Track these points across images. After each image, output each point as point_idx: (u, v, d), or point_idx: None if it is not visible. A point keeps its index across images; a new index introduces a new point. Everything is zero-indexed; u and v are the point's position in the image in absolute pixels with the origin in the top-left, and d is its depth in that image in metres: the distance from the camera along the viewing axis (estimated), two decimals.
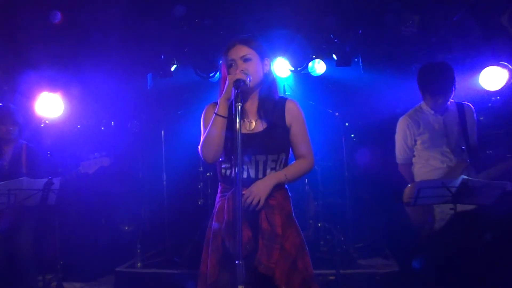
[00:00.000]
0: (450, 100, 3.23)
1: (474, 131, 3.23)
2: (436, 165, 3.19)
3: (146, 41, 4.80)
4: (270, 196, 2.14)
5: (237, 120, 1.91)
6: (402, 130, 3.33)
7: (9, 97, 4.77)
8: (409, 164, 3.37)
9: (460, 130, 3.18)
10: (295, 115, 2.23)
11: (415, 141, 3.27)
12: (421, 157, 3.28)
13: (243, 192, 2.04)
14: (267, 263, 2.05)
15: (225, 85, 2.08)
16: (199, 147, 2.17)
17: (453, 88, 3.17)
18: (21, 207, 3.44)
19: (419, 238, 3.28)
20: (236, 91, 1.98)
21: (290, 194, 2.28)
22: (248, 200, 2.06)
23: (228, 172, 2.21)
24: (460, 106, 3.24)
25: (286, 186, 2.27)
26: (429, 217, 3.12)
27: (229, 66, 2.16)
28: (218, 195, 2.27)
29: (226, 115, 2.09)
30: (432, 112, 3.24)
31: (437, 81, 3.15)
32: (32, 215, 3.67)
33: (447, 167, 3.12)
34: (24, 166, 3.69)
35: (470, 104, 3.27)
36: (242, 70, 2.08)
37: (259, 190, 2.08)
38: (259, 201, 2.07)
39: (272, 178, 2.13)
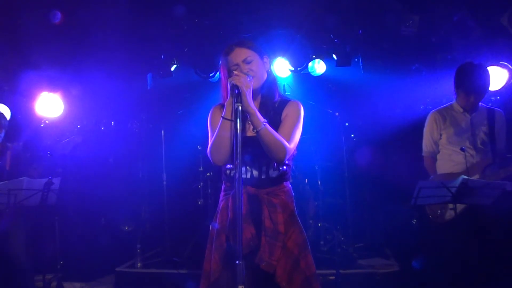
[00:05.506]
0: (482, 104, 3.34)
1: (503, 135, 3.32)
2: (458, 160, 3.27)
3: (146, 41, 4.79)
4: (273, 194, 2.16)
5: (237, 121, 1.90)
6: (429, 123, 3.45)
7: (9, 97, 4.77)
8: (433, 158, 3.46)
9: (487, 132, 3.27)
10: (290, 111, 2.21)
11: (440, 135, 3.39)
12: (445, 152, 3.38)
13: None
14: (268, 260, 2.06)
15: (226, 88, 2.08)
16: (208, 150, 2.16)
17: (486, 91, 3.28)
18: (18, 207, 3.44)
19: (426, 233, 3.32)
20: (236, 91, 1.97)
21: (293, 193, 2.27)
22: (234, 75, 2.02)
23: (233, 173, 2.21)
24: (491, 111, 3.34)
25: (290, 185, 2.27)
26: (442, 208, 3.19)
27: (233, 71, 2.13)
28: (222, 193, 2.28)
29: (233, 118, 2.07)
30: (461, 110, 3.34)
31: (473, 79, 3.23)
32: (28, 216, 3.66)
33: (468, 163, 3.19)
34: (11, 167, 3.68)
35: (501, 111, 3.36)
36: (247, 72, 2.09)
37: (243, 82, 1.97)
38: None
39: (254, 105, 2.02)
